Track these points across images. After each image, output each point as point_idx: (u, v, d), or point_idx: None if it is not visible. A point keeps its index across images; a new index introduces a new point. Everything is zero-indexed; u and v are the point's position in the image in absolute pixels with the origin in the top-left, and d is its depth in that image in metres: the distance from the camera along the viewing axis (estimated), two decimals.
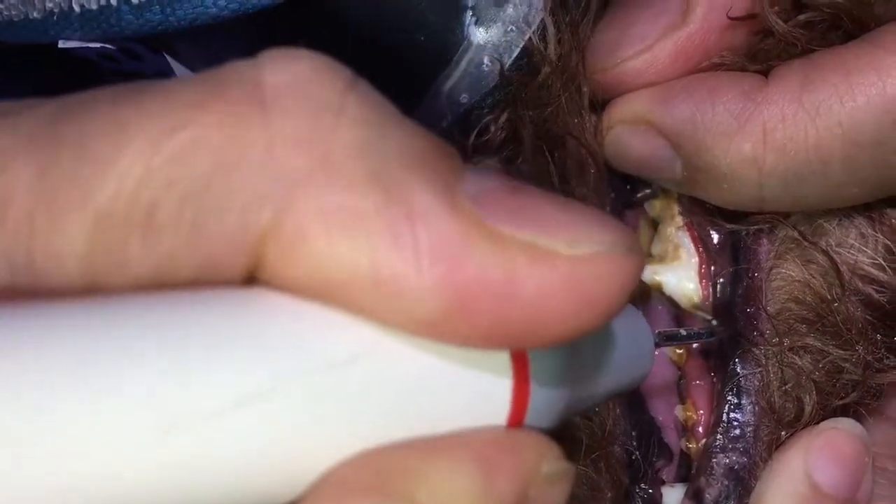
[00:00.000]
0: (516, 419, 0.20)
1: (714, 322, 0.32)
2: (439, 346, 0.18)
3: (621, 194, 0.33)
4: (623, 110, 0.32)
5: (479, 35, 0.31)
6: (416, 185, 0.17)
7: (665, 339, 0.30)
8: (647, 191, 0.33)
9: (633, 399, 0.33)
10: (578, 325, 0.18)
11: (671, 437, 0.33)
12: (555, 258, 0.18)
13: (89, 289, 0.17)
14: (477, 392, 0.19)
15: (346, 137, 0.17)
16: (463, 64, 0.31)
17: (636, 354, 0.25)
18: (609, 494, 0.31)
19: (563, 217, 0.18)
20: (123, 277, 0.17)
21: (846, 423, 0.32)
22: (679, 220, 0.33)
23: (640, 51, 0.31)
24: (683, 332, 0.32)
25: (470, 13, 0.31)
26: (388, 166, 0.17)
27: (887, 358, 0.32)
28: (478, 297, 0.17)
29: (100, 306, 0.17)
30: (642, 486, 0.32)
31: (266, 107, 0.17)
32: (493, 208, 0.18)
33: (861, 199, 0.31)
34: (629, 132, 0.32)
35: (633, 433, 0.32)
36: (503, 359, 0.19)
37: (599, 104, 0.32)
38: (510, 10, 0.31)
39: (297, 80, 0.18)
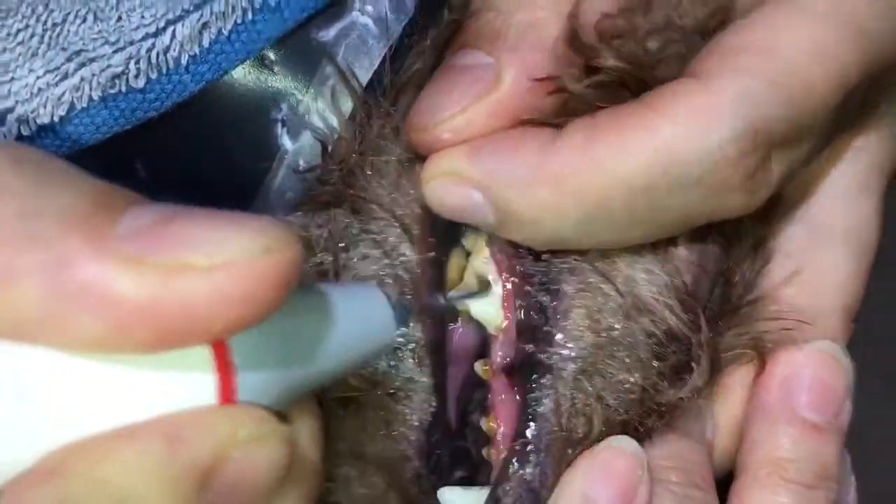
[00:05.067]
0: (227, 397, 0.23)
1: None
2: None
3: (444, 234, 0.37)
4: (437, 165, 0.35)
5: (290, 143, 0.37)
6: (68, 238, 0.22)
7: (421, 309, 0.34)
8: (465, 226, 0.37)
9: (441, 409, 0.37)
10: (236, 320, 0.22)
11: (474, 446, 0.37)
12: (194, 271, 0.22)
13: None
14: (186, 380, 0.23)
15: (6, 209, 0.22)
16: (283, 168, 0.37)
17: (371, 327, 0.28)
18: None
19: (204, 234, 0.22)
20: None
21: (620, 441, 0.36)
22: (486, 252, 0.37)
23: (457, 113, 0.34)
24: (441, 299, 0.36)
25: (280, 125, 0.37)
26: (44, 226, 0.22)
27: (661, 383, 0.35)
28: (130, 317, 0.22)
29: None
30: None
31: None
32: (140, 242, 0.22)
33: (645, 239, 0.35)
34: (443, 185, 0.35)
35: (436, 439, 0.36)
36: (204, 348, 0.23)
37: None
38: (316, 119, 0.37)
39: None
